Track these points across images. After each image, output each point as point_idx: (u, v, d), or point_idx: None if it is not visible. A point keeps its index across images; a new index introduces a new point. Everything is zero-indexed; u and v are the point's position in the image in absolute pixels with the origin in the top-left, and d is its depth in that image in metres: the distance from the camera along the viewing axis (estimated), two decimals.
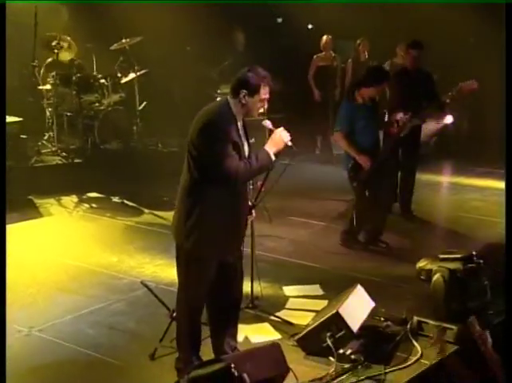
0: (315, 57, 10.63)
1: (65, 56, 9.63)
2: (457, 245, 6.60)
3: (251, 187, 5.61)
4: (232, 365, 3.51)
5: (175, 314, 4.59)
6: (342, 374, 4.50)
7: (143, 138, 9.79)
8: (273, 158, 4.23)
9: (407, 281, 5.67)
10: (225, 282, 4.40)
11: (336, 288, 5.45)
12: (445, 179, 9.41)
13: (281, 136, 4.28)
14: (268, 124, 4.46)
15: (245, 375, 3.52)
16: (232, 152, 4.04)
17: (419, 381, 4.56)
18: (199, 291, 4.28)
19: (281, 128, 4.33)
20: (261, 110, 4.27)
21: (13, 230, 7.46)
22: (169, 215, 7.89)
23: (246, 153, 4.26)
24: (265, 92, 4.15)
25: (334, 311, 4.80)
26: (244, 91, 4.11)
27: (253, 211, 4.56)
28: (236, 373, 3.47)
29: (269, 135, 4.38)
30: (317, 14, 11.84)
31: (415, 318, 5.07)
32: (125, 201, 8.21)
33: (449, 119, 10.69)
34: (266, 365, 4.16)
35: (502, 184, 8.57)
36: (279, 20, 13.77)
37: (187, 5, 10.64)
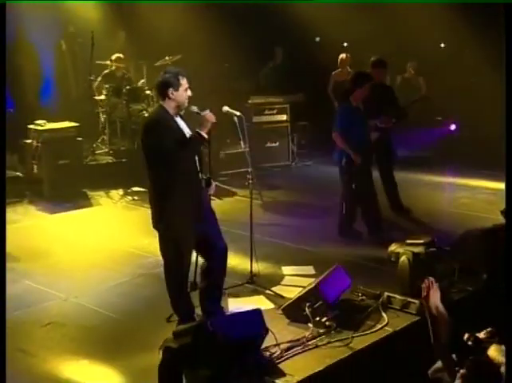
0: (333, 73, 10.72)
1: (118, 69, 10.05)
2: (440, 235, 6.79)
3: (250, 180, 6.04)
4: (208, 322, 3.86)
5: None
6: (316, 337, 4.81)
7: None
8: (205, 136, 4.58)
9: (386, 263, 5.82)
10: (204, 253, 4.84)
11: (327, 269, 5.64)
12: (443, 179, 9.44)
13: (207, 118, 4.60)
14: (194, 108, 4.81)
15: (218, 331, 3.85)
16: (171, 139, 4.44)
17: (382, 345, 4.87)
18: (180, 265, 4.70)
19: (207, 111, 4.68)
20: (189, 93, 4.61)
21: (67, 217, 8.02)
22: None
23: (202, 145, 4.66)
24: (184, 83, 4.55)
25: (313, 285, 5.13)
26: (170, 89, 4.50)
27: (212, 184, 4.83)
28: (210, 329, 3.81)
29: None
30: (351, 34, 12.04)
31: (386, 294, 5.35)
32: None
33: (452, 127, 10.82)
34: (248, 326, 4.49)
35: (490, 184, 8.85)
36: (317, 39, 13.86)
37: (225, 26, 11.03)
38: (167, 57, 9.95)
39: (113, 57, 9.97)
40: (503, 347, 3.81)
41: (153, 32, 10.79)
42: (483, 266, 5.85)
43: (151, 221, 4.76)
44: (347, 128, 6.81)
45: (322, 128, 10.70)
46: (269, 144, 10.27)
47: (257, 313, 4.58)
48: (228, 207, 8.21)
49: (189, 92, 4.61)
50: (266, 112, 10.27)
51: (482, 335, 3.96)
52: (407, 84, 10.90)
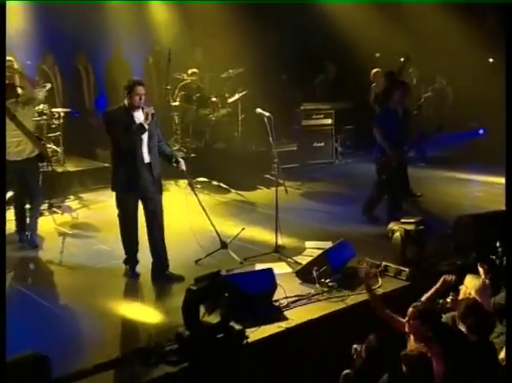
0: (372, 86, 11.00)
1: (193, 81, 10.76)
2: (447, 221, 7.11)
3: (276, 169, 6.62)
4: (221, 272, 4.50)
5: None
6: (319, 294, 5.37)
7: (241, 141, 10.53)
8: (146, 126, 5.57)
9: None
10: (146, 220, 5.87)
11: None
12: (465, 176, 9.66)
13: (147, 112, 5.56)
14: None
15: (229, 280, 4.48)
16: (118, 126, 5.50)
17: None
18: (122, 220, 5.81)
19: (151, 108, 5.63)
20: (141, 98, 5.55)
21: None
22: (248, 195, 9.01)
23: (144, 131, 5.58)
24: (138, 91, 5.49)
25: (320, 253, 5.68)
26: (125, 92, 5.50)
27: (180, 161, 6.03)
28: (223, 277, 4.46)
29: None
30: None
31: (384, 263, 5.83)
32: (221, 184, 9.15)
33: (480, 131, 10.96)
34: (260, 282, 5.12)
35: (503, 180, 8.92)
36: (377, 55, 13.91)
37: (283, 43, 11.61)
38: (230, 70, 10.63)
39: (189, 72, 10.68)
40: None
41: (221, 47, 11.42)
42: (473, 245, 6.21)
43: None
44: (383, 126, 7.30)
45: (365, 131, 11.12)
46: (315, 144, 10.78)
47: (269, 272, 5.20)
48: (273, 195, 8.77)
49: (142, 98, 5.54)
50: (314, 116, 10.79)
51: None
52: (438, 95, 11.10)
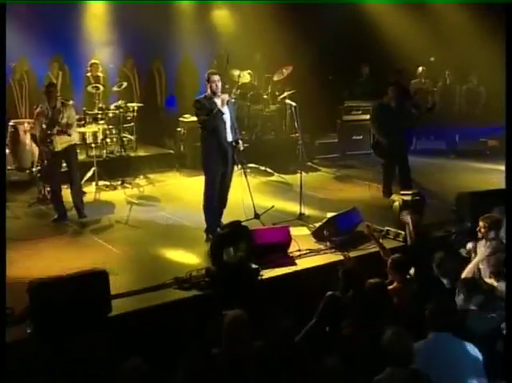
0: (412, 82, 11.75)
1: (246, 79, 11.79)
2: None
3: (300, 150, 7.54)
4: (241, 222, 5.55)
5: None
6: (327, 249, 6.33)
7: (288, 132, 11.20)
8: (223, 111, 6.42)
9: None
10: (221, 187, 6.71)
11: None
12: (488, 165, 10.13)
13: (223, 99, 6.45)
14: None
15: (248, 229, 5.52)
16: (203, 111, 6.32)
17: (370, 257, 6.21)
18: (209, 189, 6.68)
19: (226, 95, 6.47)
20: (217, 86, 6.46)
21: (199, 179, 9.37)
22: (289, 177, 9.94)
23: (222, 114, 6.45)
24: (212, 79, 6.38)
25: (330, 218, 6.61)
26: (206, 81, 6.40)
27: (239, 143, 6.73)
28: (241, 226, 5.51)
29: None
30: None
31: (386, 228, 6.69)
32: (267, 169, 10.14)
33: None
34: (277, 235, 6.12)
35: None
36: (432, 59, 13.49)
37: (330, 47, 12.45)
38: (283, 70, 11.55)
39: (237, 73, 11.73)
40: None
41: (275, 50, 12.37)
42: (469, 217, 6.92)
43: None
44: (378, 118, 8.11)
45: None
46: (354, 137, 11.58)
47: (284, 228, 6.19)
48: (310, 178, 9.62)
49: (217, 85, 6.47)
50: (353, 112, 11.61)
51: None
52: (470, 93, 11.65)
